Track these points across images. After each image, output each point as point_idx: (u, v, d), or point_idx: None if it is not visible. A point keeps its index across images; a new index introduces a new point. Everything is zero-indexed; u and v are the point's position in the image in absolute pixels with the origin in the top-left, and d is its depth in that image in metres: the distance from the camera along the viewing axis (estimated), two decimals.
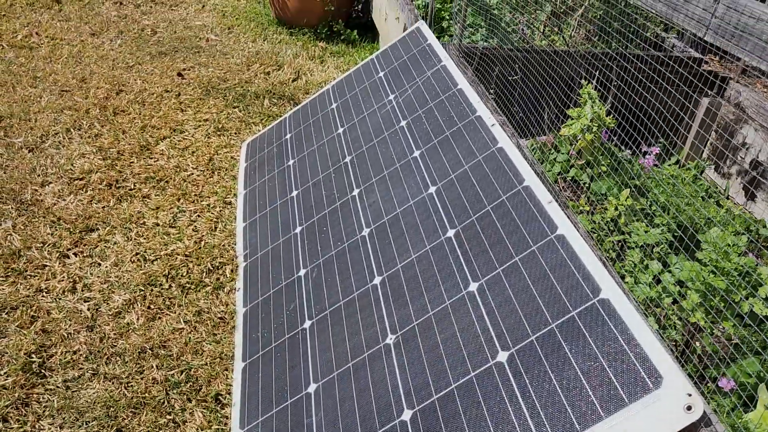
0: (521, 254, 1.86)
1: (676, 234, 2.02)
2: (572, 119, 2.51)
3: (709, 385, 1.85)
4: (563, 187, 3.18)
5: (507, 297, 1.78)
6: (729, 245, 1.76)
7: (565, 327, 1.58)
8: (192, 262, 2.69)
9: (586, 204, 2.48)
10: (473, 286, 1.88)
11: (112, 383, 2.11)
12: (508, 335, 1.68)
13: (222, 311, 2.50)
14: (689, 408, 1.27)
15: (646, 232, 1.97)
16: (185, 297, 2.52)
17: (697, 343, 2.01)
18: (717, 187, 3.30)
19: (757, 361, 1.91)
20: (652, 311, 1.75)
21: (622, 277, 1.88)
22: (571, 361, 1.50)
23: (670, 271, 1.81)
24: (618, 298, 1.55)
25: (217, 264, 2.72)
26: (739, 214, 2.88)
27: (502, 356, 1.64)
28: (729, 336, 1.95)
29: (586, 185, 2.95)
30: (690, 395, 1.28)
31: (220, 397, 2.16)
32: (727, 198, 3.17)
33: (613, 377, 1.41)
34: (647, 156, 3.07)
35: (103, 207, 2.90)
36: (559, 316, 1.62)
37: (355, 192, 2.67)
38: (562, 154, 3.13)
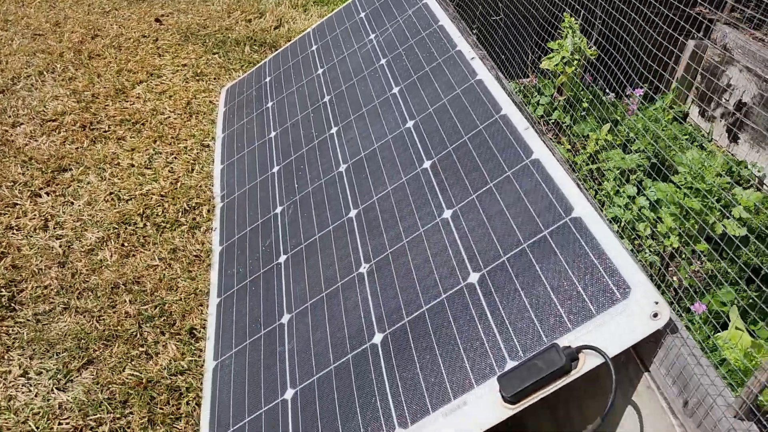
0: (496, 180, 1.82)
1: (652, 161, 1.99)
2: (553, 51, 2.46)
3: (683, 315, 1.84)
4: (546, 129, 3.14)
5: (480, 221, 1.75)
6: (704, 167, 1.73)
7: (536, 246, 1.56)
8: (168, 202, 2.65)
9: (567, 144, 2.44)
10: (447, 213, 1.85)
11: (84, 317, 2.08)
12: (480, 257, 1.65)
13: (198, 249, 2.46)
14: (655, 315, 1.26)
15: (622, 158, 1.94)
16: (160, 235, 2.48)
17: (674, 277, 2.00)
18: (701, 131, 3.26)
19: (732, 290, 1.90)
20: (628, 234, 1.73)
21: (601, 204, 1.86)
22: (542, 278, 1.49)
23: (645, 195, 1.79)
24: (590, 216, 1.53)
25: (193, 204, 2.68)
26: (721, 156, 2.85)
27: (474, 277, 1.62)
28: (706, 270, 1.94)
29: (569, 127, 2.91)
30: (657, 303, 1.27)
31: (194, 330, 2.14)
32: (711, 141, 3.14)
33: (582, 291, 1.39)
34: (631, 98, 3.02)
35: (77, 148, 2.84)
36: (531, 236, 1.59)
37: (333, 130, 2.62)
38: (545, 96, 3.08)
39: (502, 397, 1.33)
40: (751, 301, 1.84)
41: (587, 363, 1.28)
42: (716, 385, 1.14)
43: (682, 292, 1.70)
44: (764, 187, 2.71)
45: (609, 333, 1.29)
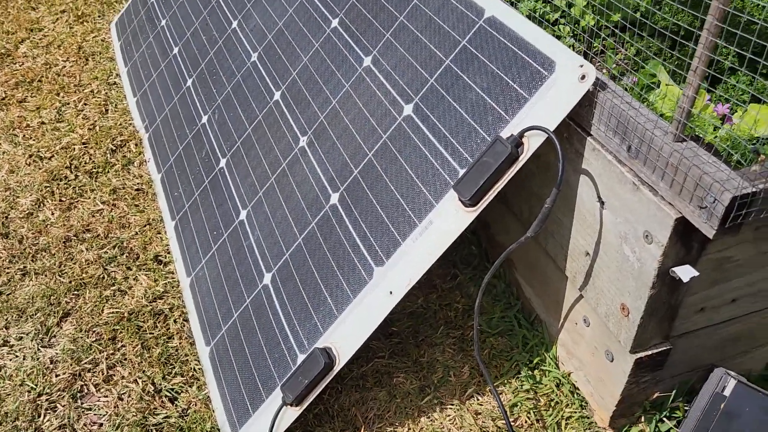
0: (405, 11, 1.77)
1: None
2: None
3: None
4: None
5: (400, 56, 1.71)
6: None
7: (459, 58, 1.54)
8: (92, 148, 2.54)
9: None
10: (368, 60, 1.81)
11: (45, 276, 2.04)
12: (409, 89, 1.63)
13: (138, 183, 2.39)
14: (583, 77, 1.27)
15: None
16: (95, 181, 2.39)
17: (603, 70, 2.01)
18: None
19: (658, 63, 1.92)
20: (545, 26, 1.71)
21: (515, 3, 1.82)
22: (471, 85, 1.48)
23: None
24: (502, 11, 1.50)
25: (119, 143, 2.57)
26: None
27: (408, 109, 1.61)
28: (630, 56, 1.95)
29: None
30: (582, 66, 1.28)
31: (159, 257, 2.11)
32: None
33: (511, 82, 1.39)
34: None
35: None
36: (451, 50, 1.57)
37: (234, 24, 2.50)
38: None
39: (462, 203, 1.36)
40: (677, 62, 1.87)
41: (532, 144, 1.30)
42: (651, 119, 1.17)
43: (614, 80, 1.72)
44: None
45: (545, 109, 1.30)
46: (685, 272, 1.17)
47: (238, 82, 2.30)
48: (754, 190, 1.02)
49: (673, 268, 1.19)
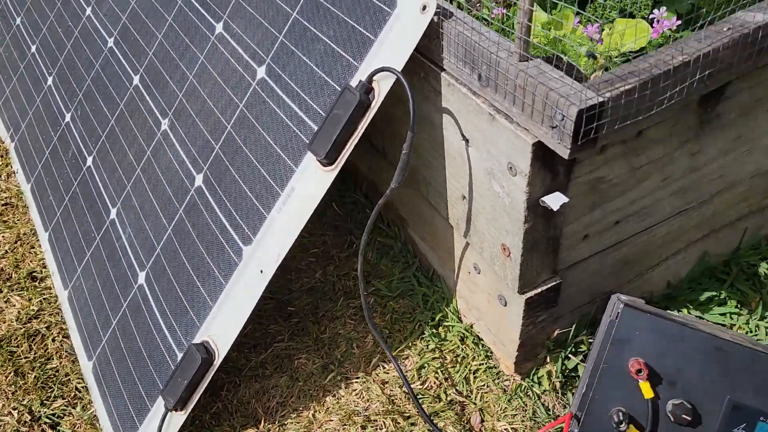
0: None
1: None
2: None
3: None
4: None
5: (249, 17, 1.58)
6: None
7: (304, 8, 1.42)
8: None
9: None
10: (219, 27, 1.67)
11: None
12: (260, 50, 1.50)
13: (6, 197, 2.19)
14: (424, 8, 1.16)
15: None
16: None
17: (483, 10, 1.92)
18: None
19: None
20: None
21: None
22: (318, 35, 1.36)
23: None
24: None
25: None
26: None
27: (261, 72, 1.48)
28: None
29: None
30: None
31: (34, 274, 1.93)
32: None
33: (356, 25, 1.28)
34: None
35: None
36: (297, 2, 1.45)
37: (88, 10, 2.29)
38: None
39: (321, 162, 1.25)
40: None
41: (383, 88, 1.20)
42: (494, 41, 1.08)
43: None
44: None
45: (391, 48, 1.20)
46: (555, 200, 1.10)
47: (98, 72, 2.11)
48: (601, 99, 0.94)
49: (542, 198, 1.11)
